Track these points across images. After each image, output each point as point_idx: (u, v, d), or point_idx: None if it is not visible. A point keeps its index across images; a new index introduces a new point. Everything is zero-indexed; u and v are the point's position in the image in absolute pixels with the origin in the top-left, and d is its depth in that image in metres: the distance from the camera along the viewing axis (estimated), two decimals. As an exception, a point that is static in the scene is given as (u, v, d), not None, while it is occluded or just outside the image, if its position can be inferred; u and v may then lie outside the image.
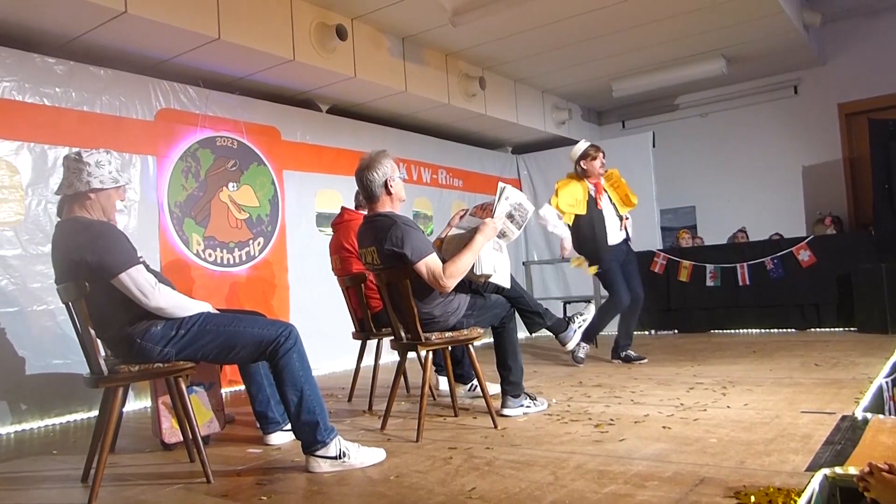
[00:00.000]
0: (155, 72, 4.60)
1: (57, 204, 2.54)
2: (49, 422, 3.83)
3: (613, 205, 4.79)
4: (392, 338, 3.14)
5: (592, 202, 4.68)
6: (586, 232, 4.67)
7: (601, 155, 4.72)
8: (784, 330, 6.15)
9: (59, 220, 2.49)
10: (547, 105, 7.55)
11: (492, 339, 3.32)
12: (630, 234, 4.86)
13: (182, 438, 2.79)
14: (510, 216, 3.13)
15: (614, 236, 4.71)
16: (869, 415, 2.56)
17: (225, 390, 4.08)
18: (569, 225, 4.67)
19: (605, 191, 4.79)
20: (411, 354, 3.27)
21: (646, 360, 4.72)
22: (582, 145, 4.78)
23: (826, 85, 7.09)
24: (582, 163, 4.71)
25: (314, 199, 5.61)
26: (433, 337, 2.95)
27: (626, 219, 4.84)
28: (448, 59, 6.11)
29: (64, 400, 3.90)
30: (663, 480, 2.04)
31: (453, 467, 2.38)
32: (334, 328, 5.48)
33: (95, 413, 3.92)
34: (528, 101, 7.22)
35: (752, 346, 5.29)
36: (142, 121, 4.46)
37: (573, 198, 4.65)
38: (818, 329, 5.98)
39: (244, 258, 4.99)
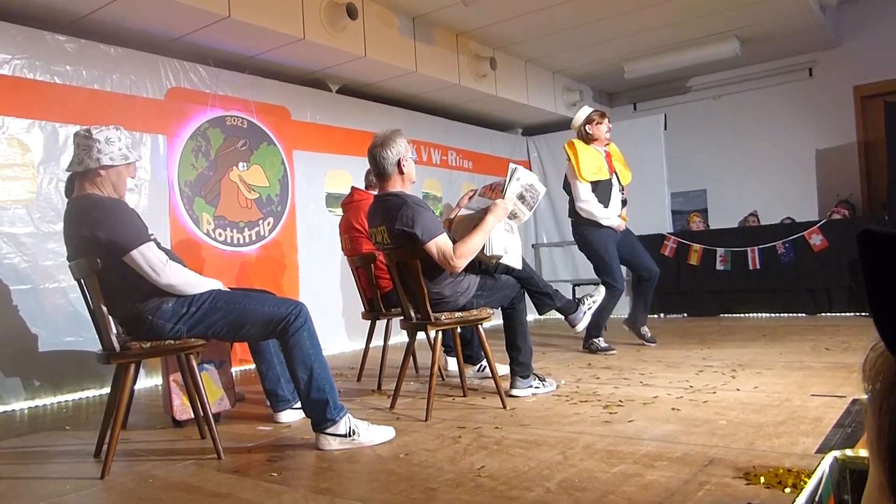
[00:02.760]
0: (165, 50, 4.58)
1: (66, 182, 2.55)
2: (62, 398, 3.87)
3: (619, 184, 4.66)
4: (402, 318, 3.15)
5: (607, 170, 4.53)
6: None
7: (606, 119, 4.55)
8: (794, 314, 6.13)
9: (67, 197, 2.51)
10: (558, 86, 7.48)
11: (501, 321, 3.32)
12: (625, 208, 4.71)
13: (193, 415, 2.82)
14: (521, 197, 3.12)
15: (614, 210, 4.54)
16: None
17: (235, 369, 4.12)
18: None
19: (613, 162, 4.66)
20: (420, 334, 3.28)
21: (655, 345, 4.69)
22: (585, 110, 4.61)
23: (841, 67, 6.97)
24: (587, 127, 4.53)
25: (324, 179, 5.60)
26: (443, 317, 2.95)
27: (623, 189, 4.68)
28: (458, 39, 6.06)
29: (76, 377, 3.94)
30: (672, 461, 2.05)
31: (462, 446, 2.39)
32: (343, 308, 5.51)
33: (107, 390, 3.94)
34: (539, 82, 7.15)
35: (762, 329, 5.27)
36: (152, 99, 4.45)
37: (595, 165, 4.46)
38: (829, 314, 5.95)
39: (254, 238, 5.00)
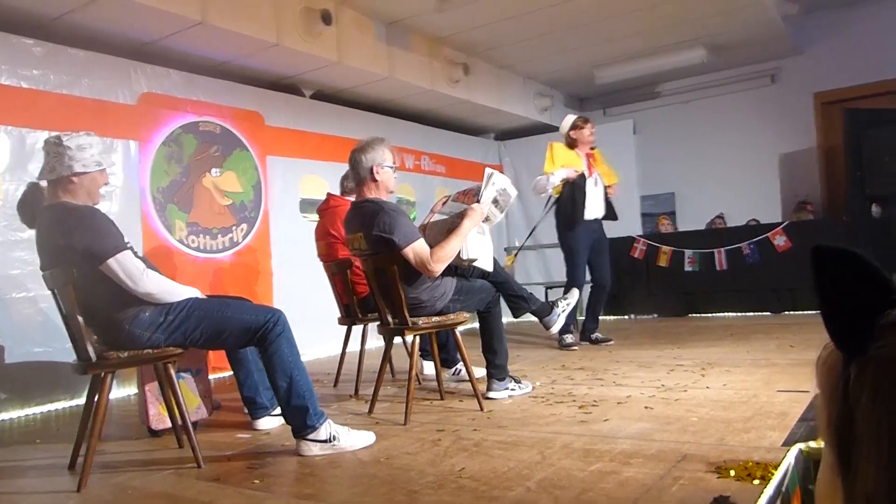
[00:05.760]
0: (137, 55, 4.53)
1: (21, 198, 2.48)
2: (30, 411, 3.79)
3: (603, 185, 4.92)
4: (378, 323, 3.17)
5: (582, 174, 4.80)
6: (567, 198, 4.77)
7: (590, 125, 4.90)
8: (760, 313, 6.28)
9: (20, 204, 2.46)
10: (530, 92, 7.57)
11: (474, 325, 3.36)
12: (615, 209, 4.99)
13: (169, 425, 2.80)
14: (495, 201, 3.17)
15: (592, 211, 4.84)
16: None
17: (210, 377, 4.08)
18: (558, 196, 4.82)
19: (594, 166, 4.93)
20: (396, 339, 3.30)
21: (612, 342, 4.90)
22: (570, 117, 4.97)
23: (803, 74, 7.19)
24: (572, 133, 4.88)
25: (298, 185, 5.59)
26: (420, 322, 2.98)
27: (610, 187, 4.98)
28: (433, 45, 6.10)
29: (45, 388, 3.86)
30: (647, 457, 2.11)
31: (442, 449, 2.42)
32: (318, 314, 5.48)
33: (77, 401, 3.91)
34: (511, 87, 7.23)
35: (729, 329, 5.40)
36: (124, 105, 4.39)
37: (569, 161, 4.77)
38: (793, 312, 6.11)
39: (227, 244, 4.97)
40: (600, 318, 5.15)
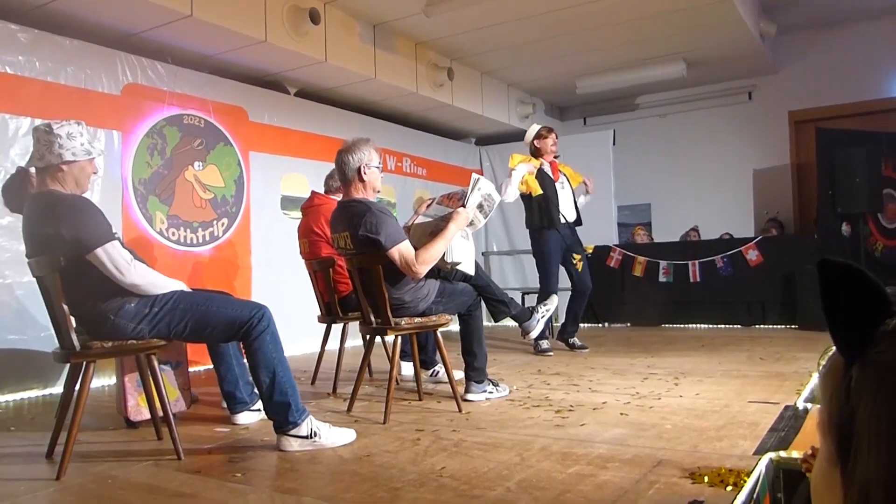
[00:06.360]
0: (123, 45, 4.50)
1: (6, 182, 2.46)
2: (2, 398, 3.75)
3: (571, 189, 5.04)
4: (358, 322, 3.19)
5: (549, 178, 4.90)
6: (540, 204, 4.85)
7: (553, 135, 5.03)
8: (731, 325, 6.42)
9: (6, 188, 2.44)
10: (512, 98, 7.66)
11: (450, 328, 3.39)
12: (580, 215, 5.07)
13: (147, 416, 2.80)
14: (479, 206, 3.22)
15: (568, 210, 4.94)
16: (809, 405, 2.75)
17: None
18: (530, 195, 4.87)
19: (562, 173, 5.04)
20: (376, 339, 3.33)
21: (588, 350, 4.97)
22: (534, 127, 5.09)
23: (778, 93, 7.40)
24: (535, 142, 5.00)
25: (280, 181, 5.58)
26: (403, 322, 3.01)
27: (588, 184, 5.15)
28: (418, 49, 6.14)
29: (18, 377, 3.81)
30: (624, 462, 2.17)
31: (422, 448, 2.45)
32: (295, 312, 5.47)
33: (50, 390, 3.88)
34: (493, 93, 7.31)
35: (701, 340, 5.52)
36: (108, 94, 4.36)
37: (527, 161, 4.90)
38: (763, 325, 6.27)
39: (207, 238, 4.95)
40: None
